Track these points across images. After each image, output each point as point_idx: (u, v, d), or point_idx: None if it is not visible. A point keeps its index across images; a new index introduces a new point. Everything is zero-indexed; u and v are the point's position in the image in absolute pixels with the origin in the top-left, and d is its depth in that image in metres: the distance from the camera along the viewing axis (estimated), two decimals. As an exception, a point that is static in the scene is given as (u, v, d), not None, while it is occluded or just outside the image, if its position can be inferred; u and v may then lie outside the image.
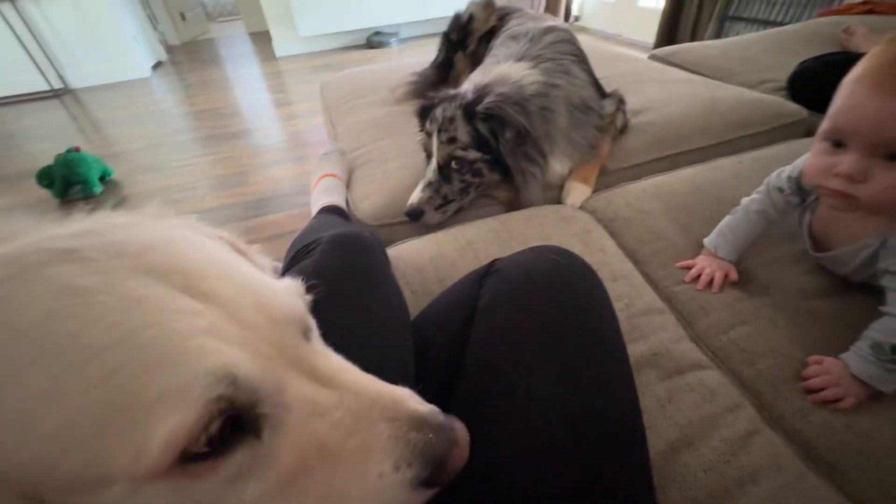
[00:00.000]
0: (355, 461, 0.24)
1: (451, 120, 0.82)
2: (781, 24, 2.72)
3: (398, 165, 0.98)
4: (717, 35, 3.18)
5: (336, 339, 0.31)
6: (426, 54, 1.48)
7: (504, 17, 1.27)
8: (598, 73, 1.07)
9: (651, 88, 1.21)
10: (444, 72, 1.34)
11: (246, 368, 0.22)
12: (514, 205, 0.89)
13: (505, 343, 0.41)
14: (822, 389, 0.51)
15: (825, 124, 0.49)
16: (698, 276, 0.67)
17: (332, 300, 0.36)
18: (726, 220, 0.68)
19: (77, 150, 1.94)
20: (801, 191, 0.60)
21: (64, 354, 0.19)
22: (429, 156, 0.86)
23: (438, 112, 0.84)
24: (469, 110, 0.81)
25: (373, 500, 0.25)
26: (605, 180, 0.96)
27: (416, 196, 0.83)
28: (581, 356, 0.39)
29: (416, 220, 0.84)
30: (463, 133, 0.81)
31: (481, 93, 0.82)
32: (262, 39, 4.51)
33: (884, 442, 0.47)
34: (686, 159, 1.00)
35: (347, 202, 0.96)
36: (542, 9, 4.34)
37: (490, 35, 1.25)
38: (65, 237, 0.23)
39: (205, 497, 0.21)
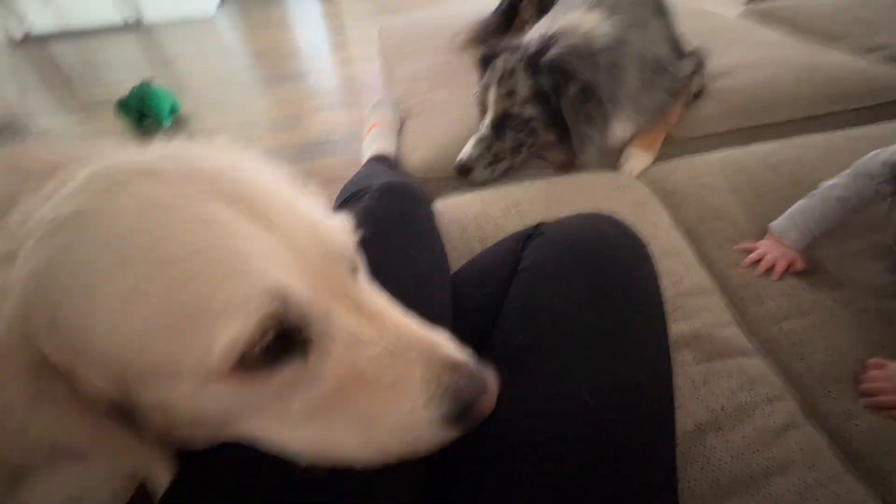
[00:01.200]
0: (390, 394, 0.26)
1: (512, 72, 0.78)
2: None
3: (452, 118, 0.96)
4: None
5: (381, 281, 0.33)
6: (487, 3, 1.39)
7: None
8: (682, 28, 0.96)
9: (738, 49, 1.09)
10: (507, 19, 1.26)
11: (299, 292, 0.24)
12: (567, 168, 0.86)
13: (543, 305, 0.41)
14: (878, 394, 0.47)
15: None
16: (758, 262, 0.62)
17: (379, 245, 0.37)
18: (800, 204, 0.62)
19: (150, 83, 2.04)
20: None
21: (146, 262, 0.21)
22: (484, 110, 0.84)
23: (499, 63, 0.80)
24: (532, 62, 0.77)
25: (402, 430, 0.27)
26: (670, 149, 0.89)
27: (466, 151, 0.82)
28: (618, 327, 0.39)
29: (464, 177, 0.83)
30: (523, 87, 0.77)
31: (546, 44, 0.77)
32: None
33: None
34: (766, 133, 0.91)
35: (397, 153, 0.96)
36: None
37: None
38: (148, 160, 0.25)
39: (257, 402, 0.24)
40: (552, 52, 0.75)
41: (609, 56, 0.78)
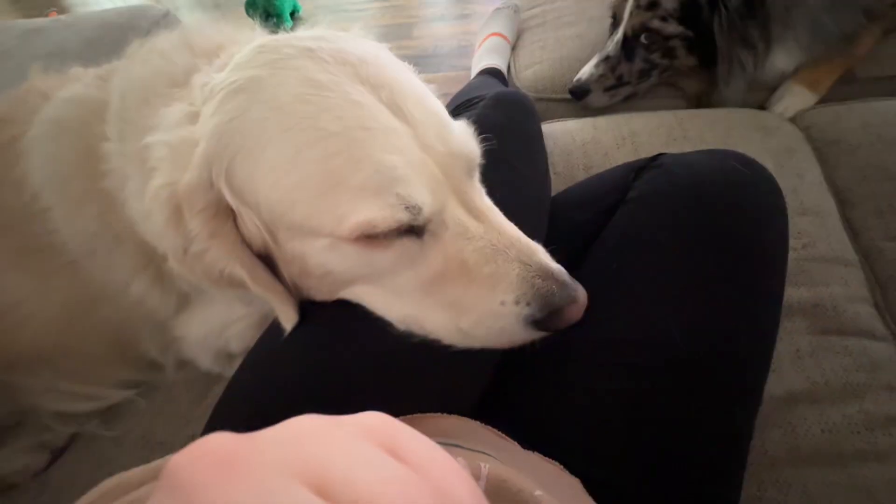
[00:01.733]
0: (486, 284, 0.29)
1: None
2: None
3: (575, 33, 0.87)
4: None
5: (487, 188, 0.34)
6: None
7: None
8: None
9: None
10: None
11: (426, 203, 0.27)
12: (703, 101, 0.75)
13: (647, 239, 0.39)
14: None
15: None
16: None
17: (489, 154, 0.38)
18: None
19: None
20: None
21: (306, 131, 0.25)
22: (615, 23, 0.74)
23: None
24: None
25: (491, 320, 0.29)
26: (845, 90, 0.72)
27: (586, 71, 0.75)
28: (726, 274, 0.36)
29: (579, 100, 0.77)
30: (669, -1, 0.66)
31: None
32: None
33: None
34: None
35: (510, 67, 0.91)
36: None
37: None
38: (306, 38, 0.29)
39: (373, 268, 0.29)
40: None
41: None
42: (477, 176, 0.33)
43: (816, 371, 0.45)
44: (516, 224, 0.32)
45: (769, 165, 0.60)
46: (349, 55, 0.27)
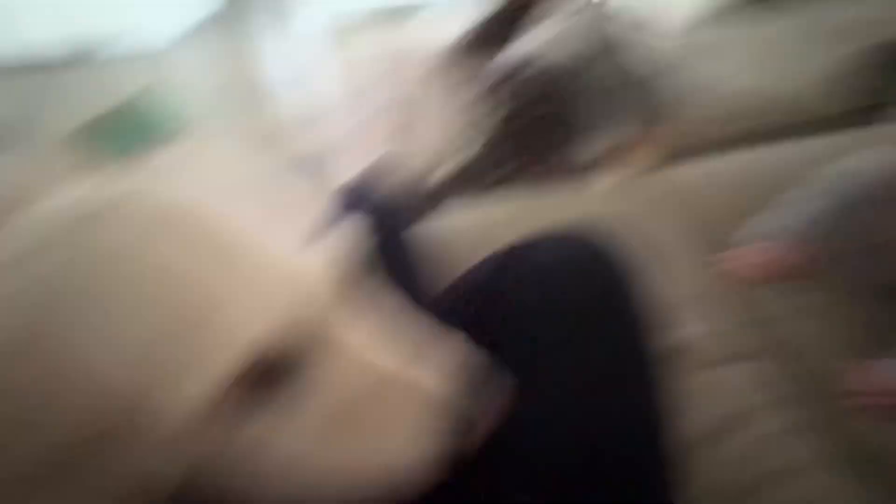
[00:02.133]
0: (383, 427, 0.26)
1: (501, 86, 0.79)
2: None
3: (444, 131, 0.97)
4: None
5: (397, 280, 0.31)
6: (473, 22, 1.39)
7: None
8: (656, 42, 0.97)
9: (733, 49, 1.08)
10: (496, 38, 1.27)
11: (272, 345, 0.22)
12: (554, 181, 0.86)
13: (519, 346, 0.39)
14: (864, 394, 0.47)
15: None
16: (759, 263, 0.61)
17: (394, 240, 0.35)
18: (792, 196, 0.61)
19: (123, 109, 2.01)
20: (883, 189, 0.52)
21: (111, 319, 0.21)
22: (471, 126, 0.84)
23: (490, 78, 0.81)
24: (518, 78, 0.77)
25: (393, 465, 0.26)
26: (668, 157, 0.88)
27: (444, 169, 0.82)
28: (603, 351, 0.38)
29: (454, 192, 0.83)
30: (508, 101, 0.78)
31: (528, 60, 0.78)
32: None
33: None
34: (764, 138, 0.90)
35: (387, 167, 0.96)
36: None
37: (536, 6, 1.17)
38: (106, 197, 0.24)
39: (239, 421, 0.23)
40: (533, 68, 0.76)
41: (595, 69, 0.78)
42: (365, 292, 0.30)
43: (713, 406, 0.49)
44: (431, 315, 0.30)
45: (624, 225, 0.70)
46: (167, 210, 0.23)
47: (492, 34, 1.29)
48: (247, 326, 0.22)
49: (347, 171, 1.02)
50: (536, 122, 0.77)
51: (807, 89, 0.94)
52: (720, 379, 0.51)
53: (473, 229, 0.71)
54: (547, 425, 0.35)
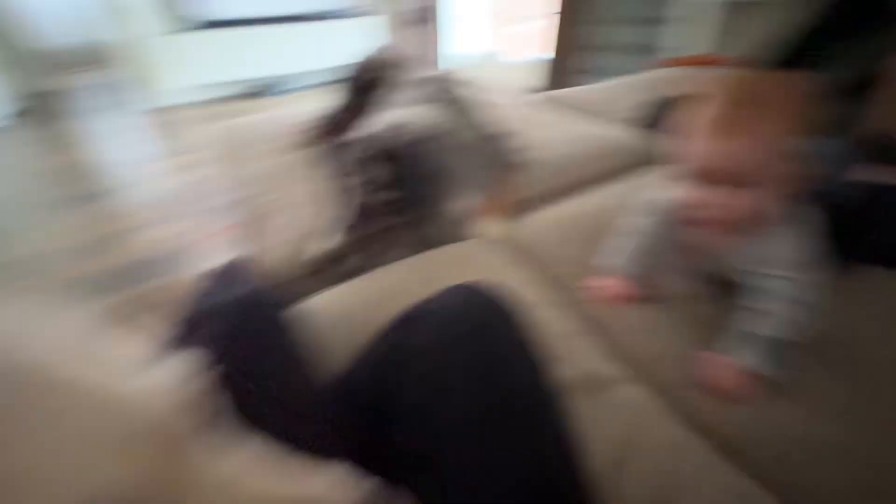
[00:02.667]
0: None
1: (362, 161, 0.80)
2: (631, 73, 3.28)
3: (306, 213, 0.93)
4: (591, 82, 3.69)
5: (251, 414, 0.27)
6: (322, 102, 1.46)
7: (399, 64, 1.32)
8: (490, 116, 1.14)
9: (540, 126, 1.34)
10: (349, 115, 1.34)
11: (125, 483, 0.19)
12: (432, 245, 0.89)
13: (427, 401, 0.38)
14: (719, 384, 0.56)
15: (688, 167, 0.55)
16: (612, 294, 0.71)
17: (238, 371, 0.30)
18: (621, 239, 0.75)
19: None
20: (673, 212, 0.68)
21: None
22: (340, 200, 0.83)
23: (349, 154, 0.82)
24: (379, 151, 0.80)
25: None
26: (517, 210, 1.01)
27: (321, 247, 0.79)
28: (507, 404, 0.38)
29: (326, 271, 0.79)
30: (375, 174, 0.80)
31: (391, 133, 0.82)
32: (133, 89, 4.10)
33: (774, 418, 0.52)
34: (582, 187, 1.11)
35: (247, 258, 0.87)
36: (437, 61, 4.65)
37: (390, 81, 1.29)
38: None
39: None
40: (396, 140, 0.80)
41: (444, 140, 0.87)
42: (210, 428, 0.25)
43: (610, 432, 0.52)
44: (304, 444, 0.25)
45: (496, 278, 0.75)
46: None
47: (347, 110, 1.35)
48: (81, 477, 0.18)
49: (200, 266, 0.89)
50: (408, 186, 0.80)
51: (614, 140, 1.21)
52: (614, 402, 0.55)
53: (360, 300, 0.67)
54: (464, 465, 0.34)
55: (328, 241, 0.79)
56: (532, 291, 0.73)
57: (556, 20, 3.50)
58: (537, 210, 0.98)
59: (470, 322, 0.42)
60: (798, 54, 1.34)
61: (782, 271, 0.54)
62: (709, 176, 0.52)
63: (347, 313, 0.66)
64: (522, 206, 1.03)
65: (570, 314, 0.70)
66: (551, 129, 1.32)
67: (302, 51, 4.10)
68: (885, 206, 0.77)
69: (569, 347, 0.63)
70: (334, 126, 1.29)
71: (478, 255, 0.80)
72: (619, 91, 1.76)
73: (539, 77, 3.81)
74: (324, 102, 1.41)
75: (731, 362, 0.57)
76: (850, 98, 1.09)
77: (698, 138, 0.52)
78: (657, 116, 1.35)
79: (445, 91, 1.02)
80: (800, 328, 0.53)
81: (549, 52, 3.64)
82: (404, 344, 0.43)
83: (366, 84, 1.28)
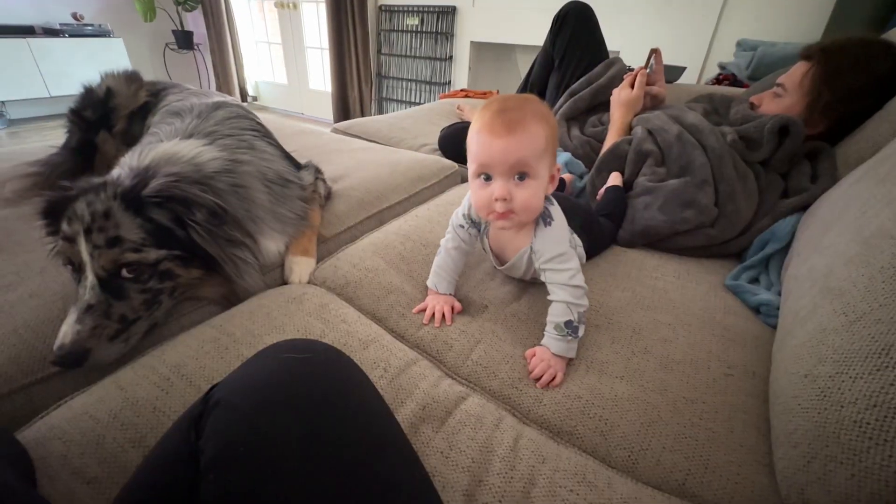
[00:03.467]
0: None
1: (106, 215, 0.61)
2: (419, 103, 3.63)
3: (26, 293, 0.66)
4: (381, 112, 3.90)
5: None
6: (51, 139, 1.11)
7: (159, 92, 1.10)
8: (288, 147, 1.06)
9: (341, 157, 1.31)
10: (82, 157, 1.03)
11: None
12: (231, 299, 0.74)
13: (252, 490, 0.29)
14: (541, 375, 0.62)
15: (472, 167, 0.62)
16: (433, 316, 0.72)
17: None
18: (436, 260, 0.77)
19: None
20: (474, 223, 0.74)
21: None
22: (76, 269, 0.61)
23: (81, 208, 0.61)
24: (131, 199, 0.62)
25: None
26: (325, 248, 0.95)
27: (69, 331, 0.56)
28: (354, 469, 0.32)
29: (78, 366, 0.56)
30: (130, 229, 0.61)
31: (144, 176, 0.65)
32: None
33: (587, 393, 0.61)
34: (389, 214, 1.12)
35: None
36: (212, 87, 4.18)
37: (144, 112, 1.06)
38: None
39: None
40: (157, 183, 0.64)
41: (228, 178, 0.74)
42: None
43: (462, 456, 0.51)
44: None
45: (316, 326, 0.67)
46: None
47: (76, 152, 1.04)
48: None
49: None
50: (202, 227, 0.66)
51: (418, 163, 1.26)
52: (457, 425, 0.54)
53: (144, 387, 0.50)
54: None
55: (74, 322, 0.57)
56: (360, 330, 0.68)
57: (334, 53, 3.60)
58: (351, 243, 0.94)
59: (292, 388, 0.35)
60: (531, 88, 1.75)
61: (555, 264, 0.64)
62: (497, 169, 0.59)
63: (108, 423, 0.48)
64: (335, 241, 0.98)
65: (401, 346, 0.68)
66: (352, 158, 1.31)
67: (23, 72, 3.13)
68: (610, 201, 1.02)
69: (408, 379, 0.60)
70: (65, 169, 0.98)
71: (292, 303, 0.71)
72: (412, 119, 1.89)
73: (332, 107, 3.83)
74: (56, 139, 1.07)
75: (544, 352, 0.64)
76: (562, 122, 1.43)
77: (485, 139, 0.59)
78: (452, 138, 1.50)
79: (229, 122, 0.89)
80: (582, 309, 0.63)
81: (336, 84, 3.71)
82: (206, 444, 0.32)
83: (97, 118, 1.02)
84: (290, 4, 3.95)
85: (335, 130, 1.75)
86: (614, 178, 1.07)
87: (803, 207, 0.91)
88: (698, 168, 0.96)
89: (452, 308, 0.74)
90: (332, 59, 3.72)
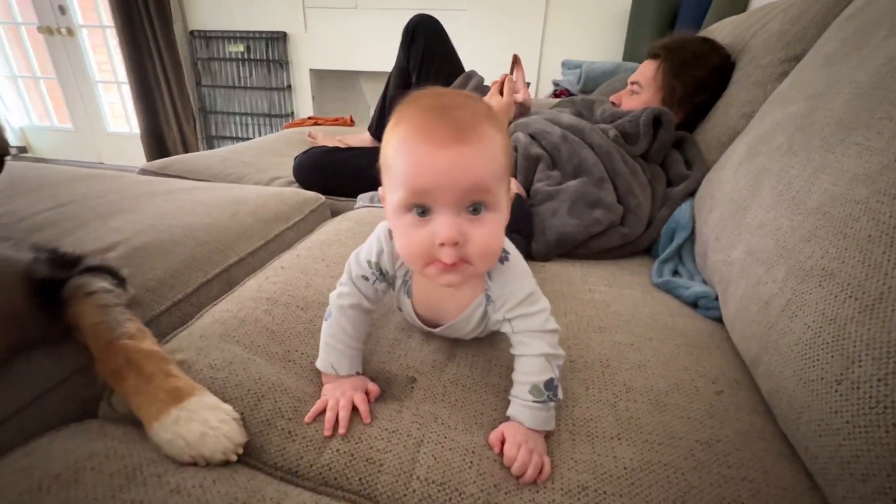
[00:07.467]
0: None
1: None
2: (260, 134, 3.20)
3: None
4: (212, 146, 3.32)
5: None
6: None
7: None
8: (58, 200, 0.68)
9: (155, 201, 0.93)
10: None
11: None
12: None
13: None
14: (525, 468, 0.42)
15: (397, 195, 0.40)
16: (349, 405, 0.46)
17: None
18: (324, 329, 0.52)
19: None
20: (384, 275, 0.51)
21: None
22: None
23: None
24: None
25: None
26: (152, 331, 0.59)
27: None
28: None
29: None
30: None
31: None
32: None
33: (590, 477, 0.43)
34: (240, 272, 0.80)
35: None
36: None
37: None
38: None
39: None
40: None
41: None
42: None
43: None
44: None
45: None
46: None
47: None
48: None
49: None
50: None
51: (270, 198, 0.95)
52: None
53: None
54: None
55: None
56: (215, 499, 0.38)
57: (137, 87, 2.95)
58: (181, 329, 0.61)
59: None
60: (389, 107, 1.62)
61: (525, 307, 0.46)
62: (442, 198, 0.38)
63: None
64: (162, 321, 0.64)
65: (300, 489, 0.41)
66: (171, 201, 0.94)
67: None
68: (514, 213, 0.90)
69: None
70: None
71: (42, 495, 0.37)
72: (254, 151, 1.56)
73: (144, 151, 3.13)
74: None
75: (515, 430, 0.44)
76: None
77: (420, 150, 0.38)
78: (312, 163, 1.24)
79: None
80: (561, 361, 0.46)
81: (146, 123, 3.04)
82: None
83: None
84: (63, 30, 3.14)
85: (144, 171, 1.31)
86: (513, 186, 0.96)
87: (691, 193, 0.92)
88: (592, 166, 0.91)
89: (366, 395, 0.49)
90: (135, 94, 3.06)
